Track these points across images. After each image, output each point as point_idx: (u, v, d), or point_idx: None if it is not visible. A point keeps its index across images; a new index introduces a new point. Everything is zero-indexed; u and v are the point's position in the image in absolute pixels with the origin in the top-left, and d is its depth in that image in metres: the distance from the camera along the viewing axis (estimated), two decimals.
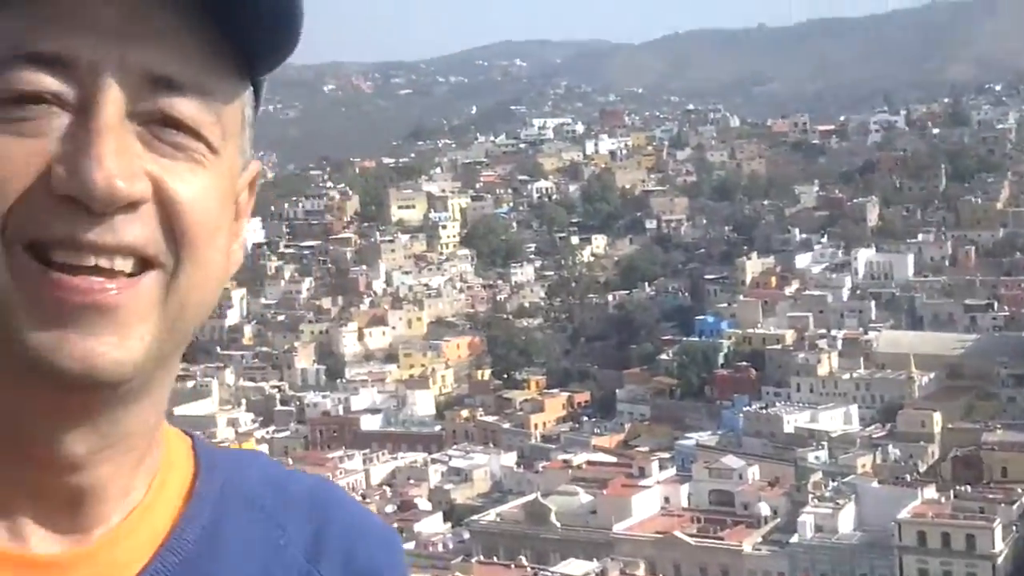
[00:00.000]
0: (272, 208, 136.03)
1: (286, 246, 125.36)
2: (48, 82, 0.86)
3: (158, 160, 0.90)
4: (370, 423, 79.19)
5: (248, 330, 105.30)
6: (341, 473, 66.46)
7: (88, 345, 0.86)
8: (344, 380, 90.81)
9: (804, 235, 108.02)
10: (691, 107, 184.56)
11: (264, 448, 74.15)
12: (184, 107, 0.90)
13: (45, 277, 0.85)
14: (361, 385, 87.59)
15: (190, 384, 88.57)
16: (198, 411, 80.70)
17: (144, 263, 0.89)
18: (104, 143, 0.86)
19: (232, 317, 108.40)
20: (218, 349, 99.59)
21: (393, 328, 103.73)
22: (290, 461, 70.75)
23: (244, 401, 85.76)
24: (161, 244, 0.89)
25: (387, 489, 66.13)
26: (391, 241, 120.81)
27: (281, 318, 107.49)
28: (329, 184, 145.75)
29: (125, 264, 0.87)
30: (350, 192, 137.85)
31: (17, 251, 0.85)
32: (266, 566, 1.08)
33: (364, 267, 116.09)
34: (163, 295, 0.90)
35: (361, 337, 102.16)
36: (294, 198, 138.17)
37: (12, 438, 0.93)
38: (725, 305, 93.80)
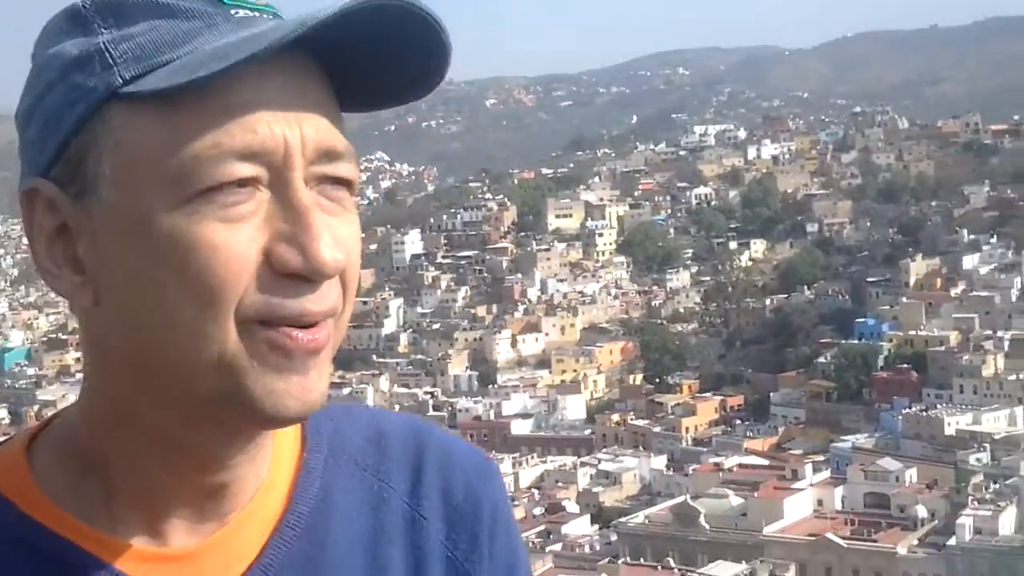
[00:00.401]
0: (431, 220, 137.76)
1: (443, 256, 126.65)
2: (247, 169, 0.92)
3: (331, 219, 0.96)
4: (521, 427, 79.32)
5: (404, 338, 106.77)
6: None
7: (306, 387, 0.94)
8: (496, 386, 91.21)
9: (972, 236, 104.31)
10: (858, 110, 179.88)
11: None
12: (343, 169, 0.97)
13: (270, 337, 0.93)
14: (513, 390, 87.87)
15: (346, 391, 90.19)
16: None
17: (332, 314, 0.97)
18: (316, 223, 0.93)
19: (389, 326, 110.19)
20: (374, 357, 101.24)
21: (546, 334, 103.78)
22: None
23: (398, 407, 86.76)
24: (340, 296, 0.97)
25: (536, 492, 66.00)
26: (547, 250, 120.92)
27: (436, 326, 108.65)
28: (488, 195, 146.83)
29: (323, 325, 0.96)
30: (508, 203, 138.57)
31: (246, 323, 0.93)
32: (376, 519, 1.13)
33: (519, 275, 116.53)
34: (334, 332, 0.97)
35: (514, 344, 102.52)
36: (452, 209, 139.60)
37: (169, 459, 1.00)
38: (887, 307, 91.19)
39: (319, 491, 1.10)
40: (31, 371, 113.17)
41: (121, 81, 0.92)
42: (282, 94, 0.93)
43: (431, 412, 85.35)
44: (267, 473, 1.07)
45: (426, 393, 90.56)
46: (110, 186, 0.93)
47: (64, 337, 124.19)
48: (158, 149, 0.91)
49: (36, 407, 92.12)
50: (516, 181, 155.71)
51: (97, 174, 0.93)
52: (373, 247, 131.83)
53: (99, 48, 0.94)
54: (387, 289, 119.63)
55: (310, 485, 1.10)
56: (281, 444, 1.09)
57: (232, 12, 0.95)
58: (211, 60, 0.90)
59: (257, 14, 0.96)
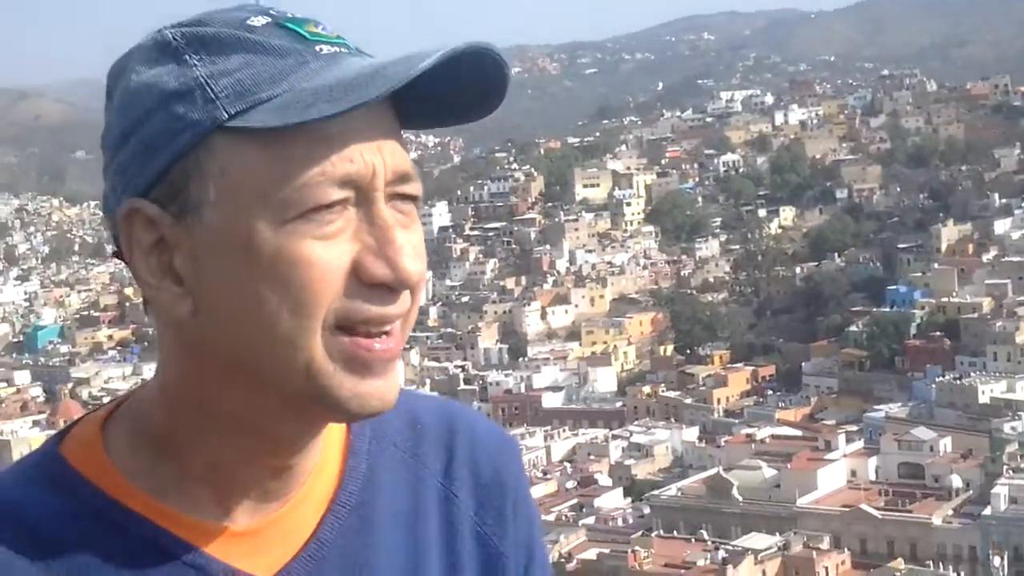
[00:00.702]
0: (458, 192, 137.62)
1: (471, 228, 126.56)
2: (342, 193, 1.03)
3: (404, 231, 1.07)
4: (552, 400, 79.35)
5: (433, 312, 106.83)
6: (523, 449, 66.40)
7: (386, 388, 1.06)
8: (526, 358, 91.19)
9: (1004, 200, 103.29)
10: (885, 73, 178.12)
11: None
12: (412, 188, 1.08)
13: (354, 343, 1.04)
14: (543, 363, 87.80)
15: None
16: None
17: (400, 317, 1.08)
18: (399, 237, 1.04)
19: None
20: None
21: (576, 306, 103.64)
22: None
23: (428, 380, 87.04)
24: (409, 298, 1.07)
25: (568, 465, 66.10)
26: (575, 220, 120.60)
27: (465, 299, 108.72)
28: (514, 166, 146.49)
29: (396, 329, 1.07)
30: (535, 173, 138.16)
31: (333, 333, 1.03)
32: (415, 497, 1.25)
33: (548, 247, 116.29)
34: (403, 331, 1.08)
35: (544, 316, 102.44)
36: (479, 181, 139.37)
37: (247, 442, 1.11)
38: (919, 274, 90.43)
39: (366, 471, 1.22)
40: (64, 349, 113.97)
41: (226, 116, 1.02)
42: (367, 125, 1.04)
43: (462, 386, 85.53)
44: (320, 455, 1.18)
45: (456, 367, 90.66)
46: (213, 209, 1.03)
47: (96, 314, 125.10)
48: (263, 177, 1.02)
49: (70, 384, 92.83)
50: (542, 151, 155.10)
51: (201, 198, 1.04)
52: None
53: (199, 82, 1.04)
54: None
55: (357, 466, 1.22)
56: (330, 429, 1.19)
57: (317, 48, 1.05)
58: (318, 102, 1.00)
59: (336, 48, 1.06)
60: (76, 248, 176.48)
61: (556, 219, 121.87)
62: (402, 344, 1.08)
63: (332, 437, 1.21)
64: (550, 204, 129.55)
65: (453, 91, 1.09)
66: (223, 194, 1.04)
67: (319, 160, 1.02)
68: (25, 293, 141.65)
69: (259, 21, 1.06)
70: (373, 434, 1.25)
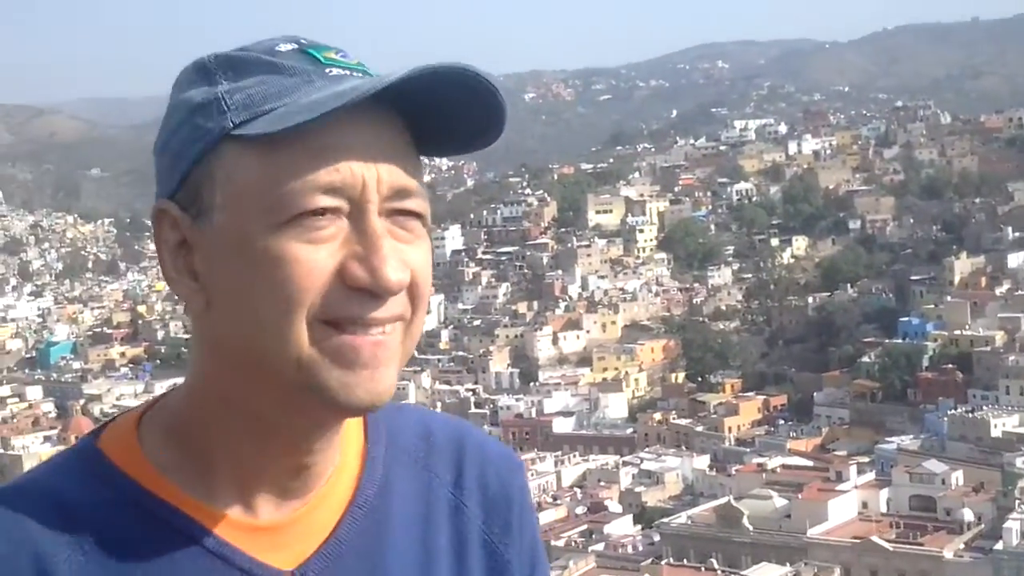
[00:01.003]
0: (471, 215, 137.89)
1: (484, 252, 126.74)
2: (331, 201, 1.14)
3: (401, 245, 1.17)
4: (562, 425, 79.26)
5: (445, 334, 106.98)
6: (533, 474, 66.66)
7: (374, 380, 1.15)
8: (537, 383, 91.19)
9: (1018, 234, 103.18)
10: (900, 104, 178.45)
11: None
12: (412, 204, 1.18)
13: (341, 339, 1.14)
14: (554, 388, 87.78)
15: None
16: None
17: (399, 320, 1.18)
18: (385, 247, 1.14)
19: (430, 322, 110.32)
20: (416, 353, 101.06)
21: (587, 332, 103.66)
22: None
23: (439, 404, 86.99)
24: (407, 306, 1.18)
25: (578, 491, 65.96)
26: (588, 246, 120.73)
27: (477, 323, 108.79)
28: (528, 191, 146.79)
29: (391, 327, 1.17)
30: (548, 198, 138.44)
31: (316, 324, 1.14)
32: (426, 505, 1.34)
33: (560, 272, 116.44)
34: (403, 337, 1.18)
35: (555, 341, 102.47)
36: (493, 205, 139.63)
37: (261, 441, 1.22)
38: (931, 306, 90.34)
39: (382, 477, 1.32)
40: (76, 365, 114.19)
41: (232, 125, 1.15)
42: (362, 140, 1.15)
43: (472, 409, 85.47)
44: (338, 460, 1.29)
45: (467, 390, 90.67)
46: (220, 212, 1.16)
47: (109, 331, 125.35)
48: (259, 182, 1.14)
49: (82, 401, 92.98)
50: (556, 176, 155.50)
51: (211, 202, 1.16)
52: None
53: (217, 97, 1.17)
54: None
55: (374, 472, 1.32)
56: (349, 435, 1.31)
57: (328, 71, 1.17)
58: (303, 111, 1.11)
59: (349, 72, 1.18)
60: (90, 265, 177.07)
61: (568, 244, 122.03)
62: (399, 349, 1.18)
63: (351, 443, 1.32)
64: (563, 229, 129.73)
65: (459, 119, 1.20)
66: (228, 198, 1.16)
67: (306, 168, 1.13)
68: (38, 309, 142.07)
69: (286, 47, 1.19)
70: (388, 443, 1.35)
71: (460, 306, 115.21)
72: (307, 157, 1.14)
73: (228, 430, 1.22)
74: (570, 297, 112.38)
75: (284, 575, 1.23)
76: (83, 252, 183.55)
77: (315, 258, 1.13)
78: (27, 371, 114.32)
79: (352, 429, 1.33)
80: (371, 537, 1.29)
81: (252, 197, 1.15)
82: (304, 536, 1.25)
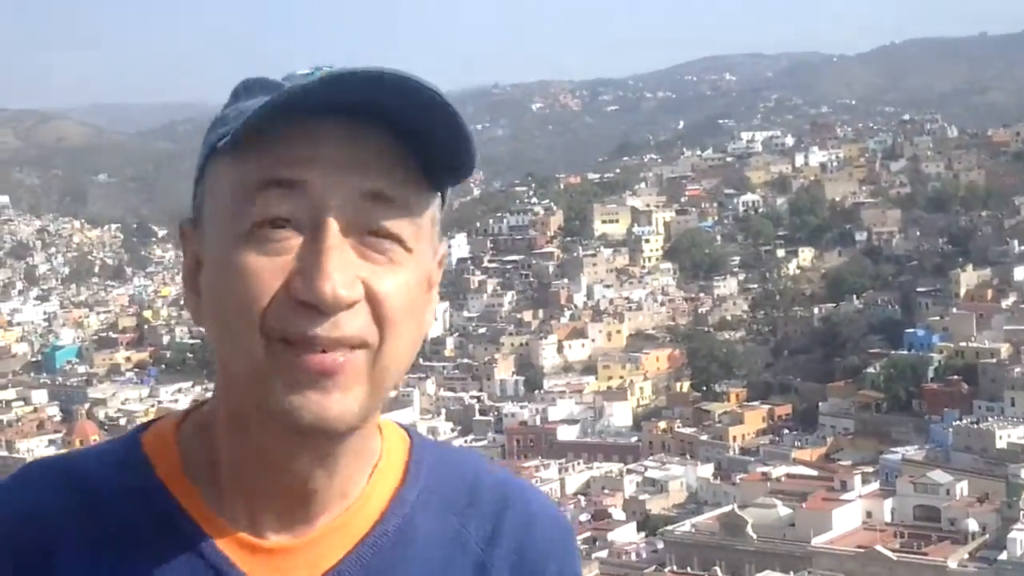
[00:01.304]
0: (477, 224, 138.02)
1: (490, 261, 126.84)
2: (288, 208, 1.13)
3: (368, 266, 1.15)
4: (567, 433, 79.28)
5: (450, 342, 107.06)
6: (537, 482, 66.58)
7: (324, 404, 1.13)
8: (542, 391, 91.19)
9: (1023, 247, 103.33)
10: (907, 117, 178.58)
11: None
12: (389, 220, 1.15)
13: (290, 358, 1.12)
14: (559, 396, 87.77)
15: (393, 393, 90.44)
16: (400, 419, 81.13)
17: (359, 344, 1.14)
18: (330, 261, 1.12)
19: (435, 330, 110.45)
20: (420, 360, 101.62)
21: (592, 340, 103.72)
22: None
23: (444, 410, 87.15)
24: (371, 331, 1.14)
25: (582, 498, 66.00)
26: (593, 255, 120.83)
27: (482, 330, 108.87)
28: (534, 200, 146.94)
29: (344, 351, 1.13)
30: (554, 207, 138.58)
31: (273, 342, 1.13)
32: (449, 556, 1.28)
33: (566, 281, 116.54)
34: (371, 364, 1.15)
35: (560, 349, 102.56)
36: (499, 214, 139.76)
37: (257, 459, 1.20)
38: (937, 318, 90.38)
39: (405, 517, 1.27)
40: (82, 369, 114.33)
41: (217, 138, 1.17)
42: (327, 153, 1.13)
43: (477, 416, 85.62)
44: (362, 494, 1.26)
45: (472, 397, 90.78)
46: (207, 224, 1.19)
47: (115, 336, 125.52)
48: (225, 193, 1.16)
49: (87, 405, 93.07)
50: (562, 186, 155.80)
51: (204, 215, 1.20)
52: None
53: (220, 115, 1.20)
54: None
55: (399, 510, 1.27)
56: (385, 471, 1.29)
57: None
58: (241, 119, 1.12)
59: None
60: (96, 270, 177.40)
61: (575, 254, 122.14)
62: (363, 376, 1.15)
63: (385, 480, 1.29)
64: (569, 239, 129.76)
65: (431, 140, 1.16)
66: (210, 212, 1.19)
67: (262, 178, 1.13)
68: (44, 313, 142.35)
69: (304, 71, 1.18)
70: (426, 486, 1.30)
71: (465, 314, 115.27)
72: (263, 167, 1.13)
73: (233, 445, 1.22)
74: (575, 306, 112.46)
75: None
76: (89, 257, 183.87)
77: (268, 269, 1.13)
78: (32, 375, 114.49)
79: (392, 465, 1.31)
80: (378, 575, 1.25)
81: (222, 209, 1.16)
82: (307, 565, 1.23)
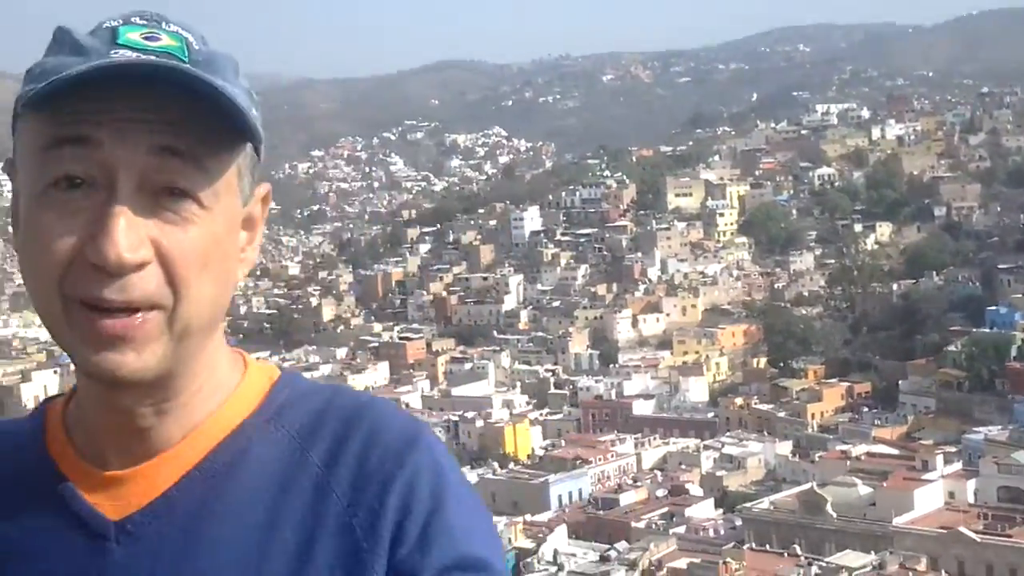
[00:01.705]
0: (550, 197, 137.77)
1: (563, 234, 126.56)
2: (82, 167, 1.16)
3: (159, 225, 1.17)
4: (642, 408, 79.04)
5: (524, 315, 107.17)
6: (613, 456, 66.70)
7: (116, 360, 1.18)
8: (617, 365, 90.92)
9: None
10: (985, 90, 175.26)
11: (537, 430, 75.28)
12: (181, 176, 1.18)
13: (88, 320, 1.17)
14: (634, 370, 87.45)
15: (468, 366, 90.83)
16: (475, 392, 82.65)
17: (150, 307, 1.19)
18: (116, 222, 1.15)
19: (509, 302, 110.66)
20: (495, 333, 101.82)
21: (667, 315, 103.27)
22: (563, 443, 71.71)
23: (519, 384, 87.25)
24: (163, 292, 1.18)
25: (658, 473, 65.85)
26: (667, 229, 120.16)
27: (556, 304, 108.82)
28: (606, 173, 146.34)
29: (139, 313, 1.18)
30: (627, 180, 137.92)
31: (72, 304, 1.18)
32: (286, 480, 1.30)
33: (639, 254, 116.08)
34: (167, 323, 1.19)
35: (635, 323, 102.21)
36: (572, 187, 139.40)
37: (95, 401, 1.28)
38: (1020, 296, 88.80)
39: (239, 445, 1.31)
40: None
41: (24, 94, 1.18)
42: (115, 110, 1.16)
43: (552, 390, 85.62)
44: (202, 426, 1.30)
45: (547, 371, 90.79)
46: (19, 173, 1.24)
47: None
48: (26, 150, 1.21)
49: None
50: (635, 159, 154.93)
51: (16, 165, 1.25)
52: (492, 223, 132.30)
53: (40, 63, 1.22)
54: (507, 265, 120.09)
55: (237, 440, 1.31)
56: (234, 406, 1.33)
57: (113, 52, 1.18)
58: (38, 82, 1.17)
59: (138, 55, 1.19)
60: None
61: (648, 227, 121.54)
62: (159, 335, 1.20)
63: (236, 413, 1.33)
64: (642, 212, 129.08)
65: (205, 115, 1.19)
66: (20, 165, 1.23)
67: (53, 135, 1.16)
68: None
69: (111, 24, 1.23)
70: (273, 416, 1.34)
71: (539, 287, 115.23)
72: (57, 125, 1.16)
73: (80, 388, 1.31)
74: (649, 280, 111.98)
75: (109, 524, 1.27)
76: None
77: (62, 230, 1.16)
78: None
79: (243, 399, 1.34)
80: (208, 500, 1.28)
81: (23, 167, 1.21)
82: (141, 491, 1.28)
